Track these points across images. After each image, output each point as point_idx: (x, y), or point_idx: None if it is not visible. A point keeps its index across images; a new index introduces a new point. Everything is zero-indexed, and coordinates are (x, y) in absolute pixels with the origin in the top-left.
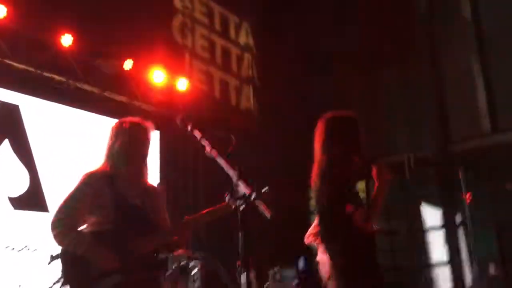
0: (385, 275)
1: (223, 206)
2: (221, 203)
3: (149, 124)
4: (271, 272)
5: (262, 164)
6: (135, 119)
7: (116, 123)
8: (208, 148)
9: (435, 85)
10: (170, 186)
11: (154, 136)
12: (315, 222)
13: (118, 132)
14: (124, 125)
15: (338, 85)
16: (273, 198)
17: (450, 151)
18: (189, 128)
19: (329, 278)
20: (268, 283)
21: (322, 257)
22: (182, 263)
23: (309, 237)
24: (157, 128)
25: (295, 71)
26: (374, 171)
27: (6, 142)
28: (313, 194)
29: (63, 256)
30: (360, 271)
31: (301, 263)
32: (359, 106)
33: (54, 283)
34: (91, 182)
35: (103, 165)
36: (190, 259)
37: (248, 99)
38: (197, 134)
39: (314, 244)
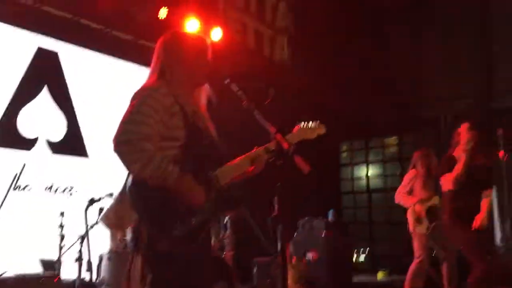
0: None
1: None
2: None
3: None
4: (300, 222)
5: (295, 115)
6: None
7: (166, 36)
8: (245, 102)
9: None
10: None
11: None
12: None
13: (172, 45)
14: (179, 37)
15: (375, 32)
16: (305, 152)
17: (491, 108)
18: (226, 81)
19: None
20: (297, 232)
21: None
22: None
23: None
24: None
25: (333, 22)
26: None
27: (45, 88)
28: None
29: (136, 187)
30: None
31: (330, 215)
32: (398, 52)
33: (92, 226)
34: (158, 97)
35: (157, 82)
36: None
37: (282, 50)
38: (234, 87)
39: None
